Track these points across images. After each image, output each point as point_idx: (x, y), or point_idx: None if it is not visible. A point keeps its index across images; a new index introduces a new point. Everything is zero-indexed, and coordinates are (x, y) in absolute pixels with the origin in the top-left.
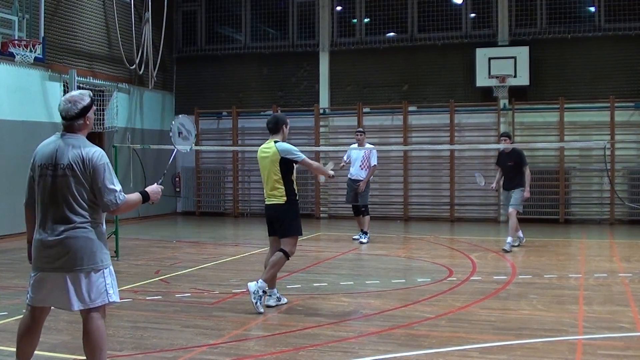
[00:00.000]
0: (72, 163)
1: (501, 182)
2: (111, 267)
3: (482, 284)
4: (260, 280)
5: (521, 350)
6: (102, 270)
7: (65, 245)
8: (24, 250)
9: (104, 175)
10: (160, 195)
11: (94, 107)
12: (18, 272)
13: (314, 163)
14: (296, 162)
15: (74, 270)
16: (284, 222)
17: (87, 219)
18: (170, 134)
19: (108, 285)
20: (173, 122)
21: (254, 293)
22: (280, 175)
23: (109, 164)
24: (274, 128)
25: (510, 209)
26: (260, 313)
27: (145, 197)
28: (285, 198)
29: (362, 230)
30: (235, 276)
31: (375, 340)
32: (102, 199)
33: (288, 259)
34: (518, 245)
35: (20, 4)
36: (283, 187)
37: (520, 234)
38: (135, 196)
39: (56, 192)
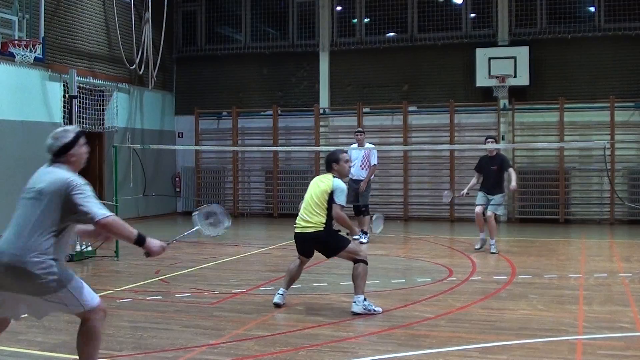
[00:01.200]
0: (45, 187)
1: (477, 186)
2: (70, 285)
3: (482, 284)
4: (355, 297)
5: (521, 350)
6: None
7: (12, 270)
8: None
9: (84, 198)
10: (161, 254)
11: (82, 142)
12: None
13: (346, 219)
14: (335, 202)
15: (25, 293)
16: (331, 244)
17: (42, 249)
18: (195, 214)
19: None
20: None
21: (364, 311)
22: (326, 205)
23: (88, 188)
24: (327, 167)
25: (490, 212)
26: (379, 311)
27: (141, 240)
28: (324, 226)
29: (362, 231)
30: (235, 276)
31: (375, 340)
32: (91, 216)
33: (367, 263)
34: (481, 248)
35: (20, 4)
36: (324, 217)
37: (483, 236)
38: (127, 229)
39: (20, 214)
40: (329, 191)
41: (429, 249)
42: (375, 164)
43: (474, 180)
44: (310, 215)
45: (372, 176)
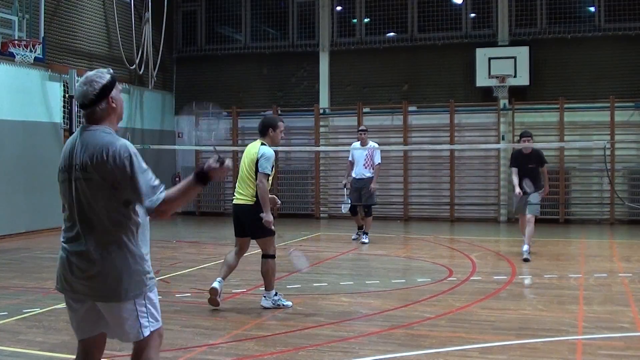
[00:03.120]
0: (89, 161)
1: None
2: (151, 293)
3: (482, 284)
4: (265, 292)
5: (521, 350)
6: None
7: (90, 270)
8: (24, 250)
9: (136, 174)
10: (226, 172)
11: (119, 87)
12: (18, 272)
13: (266, 193)
14: (259, 171)
15: (102, 300)
16: (257, 224)
17: (113, 237)
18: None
19: (143, 315)
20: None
21: (274, 305)
22: (254, 176)
23: (138, 155)
24: (261, 131)
25: (529, 216)
26: (289, 305)
27: (201, 179)
28: (256, 199)
29: (363, 231)
30: (235, 276)
31: (375, 340)
32: (140, 201)
33: (275, 258)
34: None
35: (20, 4)
36: (254, 188)
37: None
38: (184, 185)
39: (73, 201)
40: (256, 159)
41: (429, 249)
42: (379, 163)
43: (516, 178)
44: (242, 187)
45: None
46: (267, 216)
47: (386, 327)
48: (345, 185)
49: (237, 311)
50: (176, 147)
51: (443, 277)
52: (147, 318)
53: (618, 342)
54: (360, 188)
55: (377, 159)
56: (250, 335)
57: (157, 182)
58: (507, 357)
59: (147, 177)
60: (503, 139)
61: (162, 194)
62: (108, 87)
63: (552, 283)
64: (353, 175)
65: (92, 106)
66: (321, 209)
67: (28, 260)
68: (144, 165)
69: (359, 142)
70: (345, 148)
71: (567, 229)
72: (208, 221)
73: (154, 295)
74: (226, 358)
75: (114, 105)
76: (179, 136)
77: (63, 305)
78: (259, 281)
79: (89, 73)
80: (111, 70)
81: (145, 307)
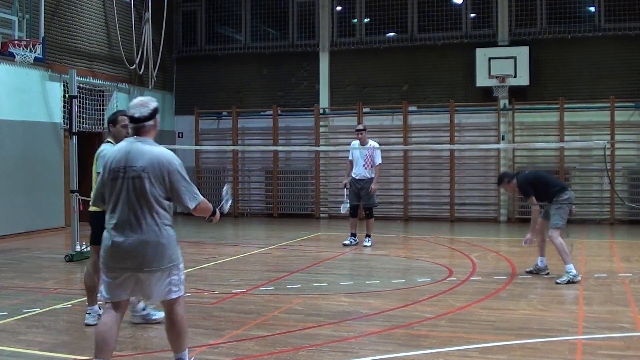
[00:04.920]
0: (146, 165)
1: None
2: (181, 265)
3: (482, 284)
4: (90, 308)
5: (521, 350)
6: (167, 270)
7: (138, 247)
8: (24, 250)
9: (183, 181)
10: (217, 220)
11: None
12: (18, 272)
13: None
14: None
15: (145, 271)
16: (93, 231)
17: (159, 220)
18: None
19: (175, 281)
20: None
21: (144, 320)
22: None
23: (183, 167)
24: (107, 128)
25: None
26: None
27: (214, 211)
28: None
29: (366, 234)
30: (235, 276)
31: (375, 340)
32: (183, 202)
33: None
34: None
35: (20, 4)
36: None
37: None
38: (208, 204)
39: (129, 194)
40: (95, 161)
41: (429, 249)
42: (380, 163)
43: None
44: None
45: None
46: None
47: (386, 327)
48: (345, 185)
49: (237, 311)
50: (176, 147)
51: (443, 277)
52: (177, 284)
53: (618, 342)
54: (359, 189)
55: (378, 159)
56: (250, 335)
57: (194, 189)
58: (507, 357)
59: (190, 183)
60: (503, 139)
61: (196, 199)
62: (157, 111)
63: (552, 283)
64: (352, 175)
65: (144, 122)
66: (321, 209)
67: (28, 260)
68: (185, 174)
69: (358, 141)
70: (346, 148)
71: (567, 229)
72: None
73: (182, 267)
74: (226, 358)
75: (156, 124)
76: (179, 136)
77: (63, 305)
78: (259, 281)
79: (142, 98)
80: (155, 100)
81: (177, 275)
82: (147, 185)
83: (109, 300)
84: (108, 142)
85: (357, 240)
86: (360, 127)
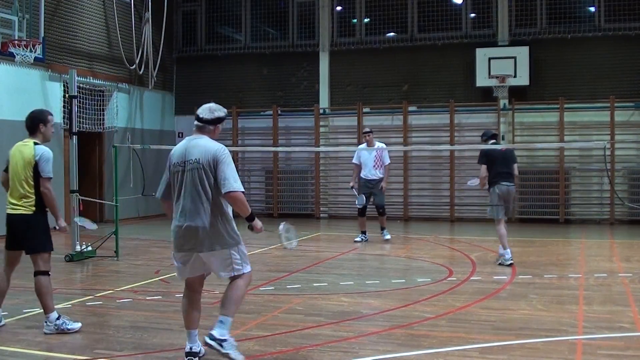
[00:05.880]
0: (200, 157)
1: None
2: (241, 245)
3: (482, 284)
4: (46, 316)
5: (521, 350)
6: (228, 250)
7: (199, 230)
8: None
9: (227, 168)
10: (260, 232)
11: (225, 123)
12: (18, 272)
13: (55, 199)
14: (41, 176)
15: (206, 251)
16: (33, 237)
17: (214, 207)
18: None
19: (237, 260)
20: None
21: (57, 331)
22: (33, 182)
23: (230, 157)
24: (30, 127)
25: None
26: (77, 327)
27: (251, 217)
28: (34, 208)
29: (381, 227)
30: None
31: (375, 340)
32: (225, 186)
33: (49, 276)
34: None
35: (20, 4)
36: (34, 196)
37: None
38: (243, 199)
39: (188, 184)
40: (33, 162)
41: (429, 249)
42: (389, 163)
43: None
44: (16, 195)
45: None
46: (62, 222)
47: (386, 327)
48: (353, 187)
49: (237, 311)
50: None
51: (443, 277)
52: (239, 262)
53: (618, 342)
54: (371, 189)
55: (387, 159)
56: (250, 335)
57: (233, 179)
58: (507, 357)
59: (234, 171)
60: (503, 139)
61: (230, 187)
62: (221, 119)
63: (552, 283)
64: (362, 176)
65: (205, 124)
66: (321, 209)
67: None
68: (232, 164)
69: (366, 143)
70: (346, 148)
71: (567, 229)
72: None
73: (243, 247)
74: (226, 358)
75: (217, 131)
76: (179, 136)
77: (63, 305)
78: (259, 281)
79: (212, 105)
80: (226, 111)
81: (238, 253)
82: (201, 175)
83: (181, 279)
84: (36, 143)
85: (367, 237)
86: (367, 129)
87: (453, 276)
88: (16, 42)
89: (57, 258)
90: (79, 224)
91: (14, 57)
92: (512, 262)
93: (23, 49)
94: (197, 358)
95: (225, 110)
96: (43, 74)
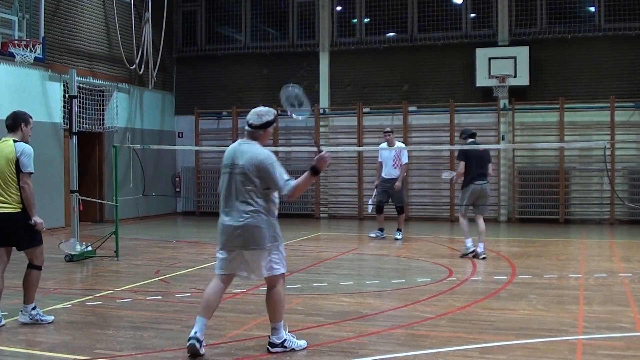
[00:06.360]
0: (246, 164)
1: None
2: (280, 246)
3: (482, 284)
4: (24, 306)
5: (521, 350)
6: (268, 250)
7: (242, 229)
8: None
9: (274, 173)
10: (329, 160)
11: (276, 124)
12: (18, 272)
13: (33, 195)
14: (22, 172)
15: (249, 249)
16: (25, 234)
17: (257, 208)
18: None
19: (276, 260)
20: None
21: (32, 321)
22: (17, 179)
23: (276, 162)
24: (12, 125)
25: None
26: (49, 319)
27: (315, 171)
28: (21, 205)
29: (397, 228)
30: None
31: (375, 340)
32: (278, 190)
33: (41, 270)
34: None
35: (20, 4)
36: (19, 192)
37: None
38: (304, 177)
39: (234, 186)
40: (15, 159)
41: (429, 249)
42: (406, 162)
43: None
44: (2, 193)
45: (404, 174)
46: (38, 218)
47: (386, 327)
48: (376, 186)
49: (237, 311)
50: (176, 147)
51: (443, 277)
52: (278, 262)
53: (618, 342)
54: (389, 187)
55: (405, 159)
56: (250, 335)
57: (287, 176)
58: (507, 357)
59: (281, 173)
60: (503, 139)
61: (292, 182)
62: (270, 123)
63: (552, 283)
64: (383, 175)
65: (254, 129)
66: (321, 209)
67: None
68: (279, 166)
69: (386, 143)
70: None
71: (567, 229)
72: (208, 221)
73: (282, 248)
74: (226, 358)
75: (267, 134)
76: (179, 136)
77: (63, 305)
78: (259, 281)
79: (261, 109)
80: (276, 112)
81: (278, 254)
82: (246, 179)
83: (220, 273)
84: (16, 140)
85: (385, 235)
86: (388, 129)
87: (453, 276)
88: (16, 42)
89: (57, 258)
90: (65, 250)
91: (14, 57)
92: (473, 249)
93: (23, 49)
94: (199, 344)
95: (274, 111)
96: (43, 74)
